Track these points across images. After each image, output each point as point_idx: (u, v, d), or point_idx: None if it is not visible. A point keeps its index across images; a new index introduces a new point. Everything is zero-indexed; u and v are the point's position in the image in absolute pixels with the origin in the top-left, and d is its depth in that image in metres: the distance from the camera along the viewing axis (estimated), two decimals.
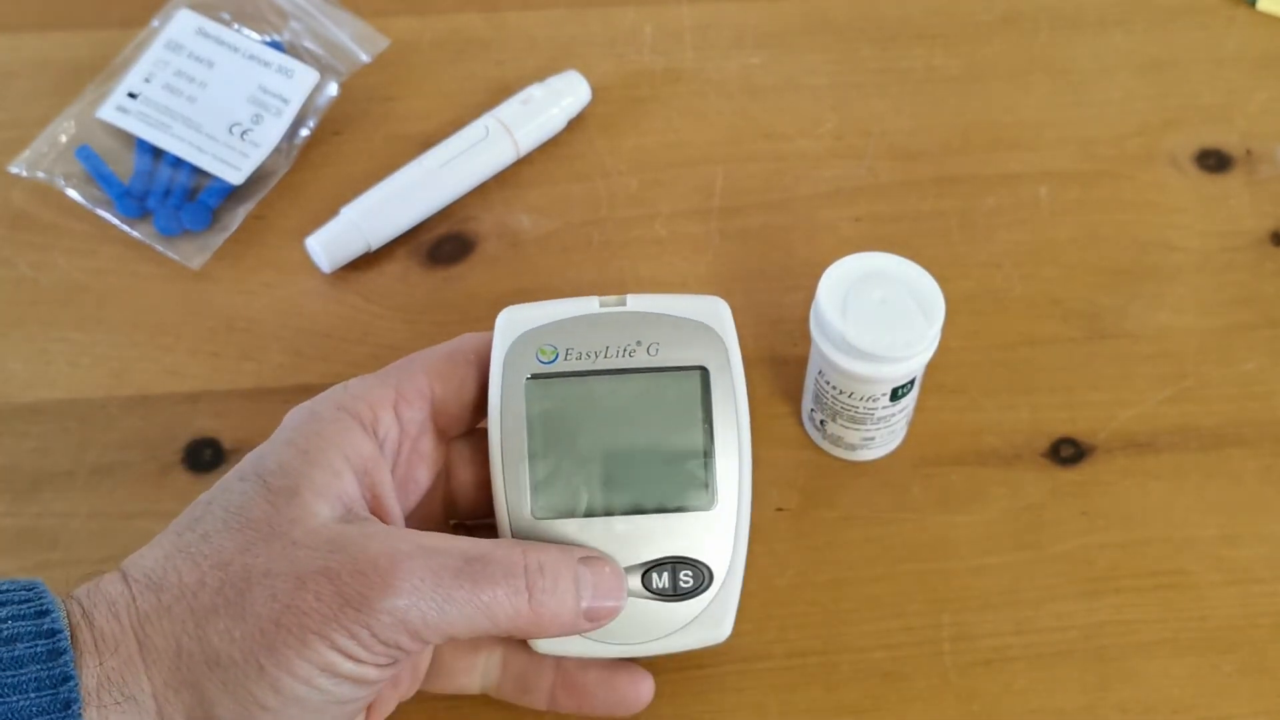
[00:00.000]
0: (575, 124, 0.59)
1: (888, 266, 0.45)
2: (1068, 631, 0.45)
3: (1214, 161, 0.58)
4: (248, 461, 0.37)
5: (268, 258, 0.55)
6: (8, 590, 0.33)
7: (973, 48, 0.62)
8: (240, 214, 0.56)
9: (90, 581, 0.35)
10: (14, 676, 0.32)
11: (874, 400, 0.45)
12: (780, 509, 0.48)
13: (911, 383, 0.46)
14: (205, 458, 0.50)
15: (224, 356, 0.52)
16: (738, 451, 0.40)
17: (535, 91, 0.58)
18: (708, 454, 0.40)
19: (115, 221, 0.55)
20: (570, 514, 0.39)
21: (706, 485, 0.40)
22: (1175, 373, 0.51)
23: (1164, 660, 0.45)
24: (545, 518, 0.39)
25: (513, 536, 0.39)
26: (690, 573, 0.39)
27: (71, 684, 0.32)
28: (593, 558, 0.38)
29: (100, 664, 0.33)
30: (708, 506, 0.39)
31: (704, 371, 0.40)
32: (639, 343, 0.40)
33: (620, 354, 0.40)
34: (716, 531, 0.39)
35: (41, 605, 0.33)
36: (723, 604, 0.40)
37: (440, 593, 0.34)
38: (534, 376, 0.39)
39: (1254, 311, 0.53)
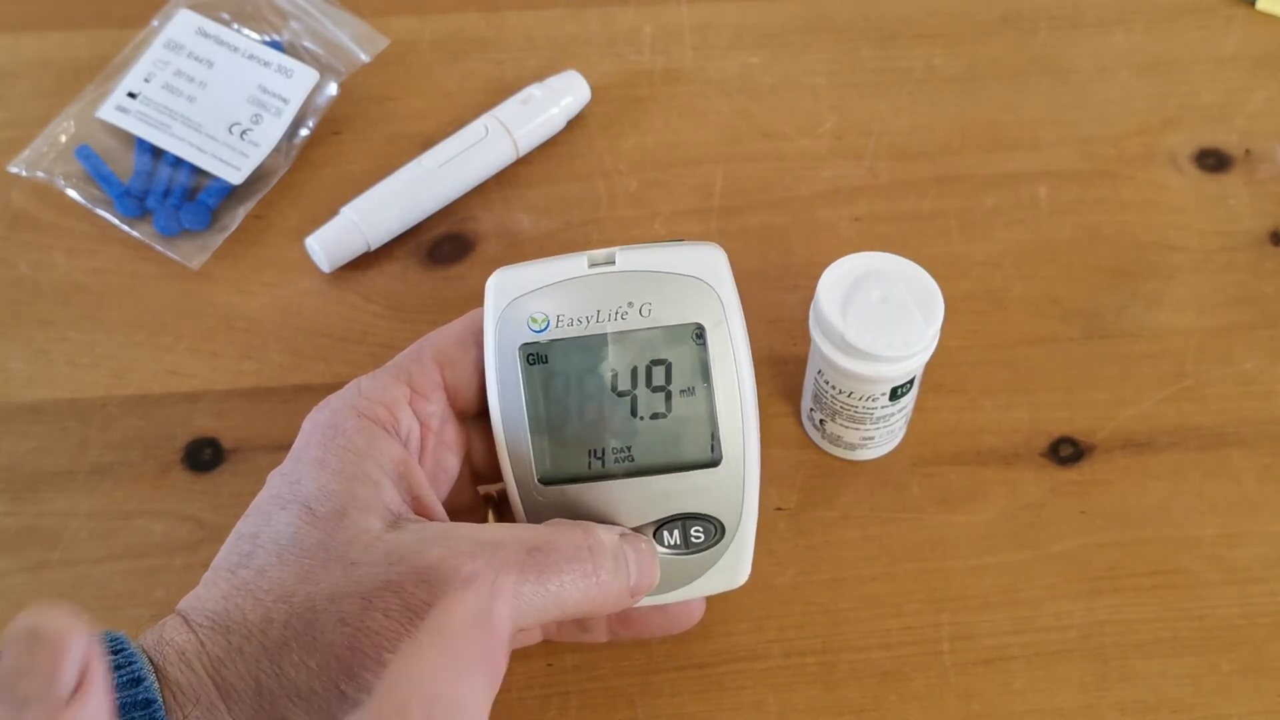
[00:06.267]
0: (575, 124, 0.59)
1: (887, 266, 0.45)
2: (1067, 631, 0.45)
3: (1213, 161, 0.58)
4: (282, 485, 0.36)
5: (267, 257, 0.55)
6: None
7: (972, 48, 0.62)
8: (240, 214, 0.56)
9: (152, 630, 0.34)
10: None
11: (873, 400, 0.45)
12: (779, 508, 0.48)
13: (911, 382, 0.46)
14: (205, 457, 0.50)
15: (223, 356, 0.52)
16: (740, 404, 0.39)
17: (535, 91, 0.58)
18: (709, 410, 0.39)
19: (115, 221, 0.55)
20: (576, 479, 0.39)
21: (710, 442, 0.39)
22: (1174, 372, 0.51)
23: (1163, 659, 0.45)
24: (552, 483, 0.39)
25: (522, 506, 0.39)
26: (701, 528, 0.40)
27: None
28: (628, 534, 0.38)
29: (184, 717, 0.32)
30: (713, 463, 0.39)
31: (698, 328, 0.39)
32: (630, 304, 0.39)
33: (612, 317, 0.39)
34: (724, 486, 0.39)
35: (133, 673, 0.32)
36: (737, 552, 0.40)
37: (507, 588, 0.34)
38: (526, 346, 0.39)
39: (1253, 311, 0.53)
